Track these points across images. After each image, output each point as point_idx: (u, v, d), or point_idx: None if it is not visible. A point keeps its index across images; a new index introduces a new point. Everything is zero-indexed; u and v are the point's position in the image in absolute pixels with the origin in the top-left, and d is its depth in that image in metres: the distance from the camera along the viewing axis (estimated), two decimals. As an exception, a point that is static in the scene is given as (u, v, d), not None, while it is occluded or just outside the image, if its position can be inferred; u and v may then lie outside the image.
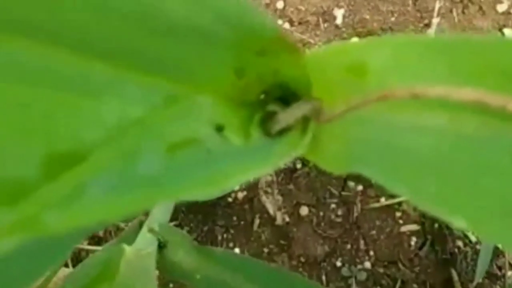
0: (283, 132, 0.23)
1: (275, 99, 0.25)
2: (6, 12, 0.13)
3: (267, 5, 0.70)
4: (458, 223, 0.16)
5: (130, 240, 0.41)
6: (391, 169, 0.18)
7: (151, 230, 0.42)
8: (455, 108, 0.19)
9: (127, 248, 0.37)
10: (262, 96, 0.24)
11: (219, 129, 0.19)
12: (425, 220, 0.66)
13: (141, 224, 0.45)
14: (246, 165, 0.17)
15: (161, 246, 0.42)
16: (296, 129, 0.23)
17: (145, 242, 0.41)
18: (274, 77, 0.23)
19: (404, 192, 0.18)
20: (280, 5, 0.69)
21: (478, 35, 0.20)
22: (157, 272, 0.44)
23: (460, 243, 0.66)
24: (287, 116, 0.22)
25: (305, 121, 0.23)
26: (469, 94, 0.18)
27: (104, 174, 0.14)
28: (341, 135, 0.22)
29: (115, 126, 0.14)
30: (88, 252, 0.67)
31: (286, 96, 0.24)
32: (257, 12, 0.19)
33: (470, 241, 0.65)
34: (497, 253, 0.63)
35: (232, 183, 0.16)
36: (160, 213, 0.48)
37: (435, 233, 0.66)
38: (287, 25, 0.68)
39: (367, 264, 0.66)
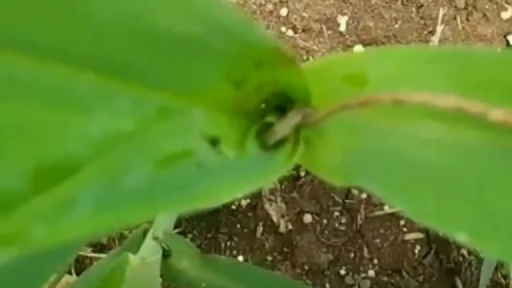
0: (279, 143, 0.23)
1: (274, 109, 0.24)
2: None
3: (271, 12, 0.70)
4: (459, 238, 0.15)
5: (134, 248, 0.41)
6: (390, 182, 0.18)
7: (155, 238, 0.42)
8: (457, 121, 0.19)
9: (132, 257, 0.37)
10: (263, 106, 0.24)
11: (214, 142, 0.19)
12: (429, 228, 0.66)
13: (145, 232, 0.45)
14: (239, 180, 0.17)
15: (166, 255, 0.42)
16: (290, 140, 0.22)
17: (150, 250, 0.41)
18: (273, 87, 0.23)
19: (402, 206, 0.17)
20: (283, 12, 0.69)
21: (481, 47, 0.20)
22: (161, 281, 0.44)
23: (464, 252, 0.65)
24: (283, 127, 0.22)
25: (298, 130, 0.23)
26: (450, 101, 0.18)
27: (92, 188, 0.13)
28: (339, 145, 0.22)
29: (102, 141, 0.14)
30: (91, 259, 0.67)
31: (286, 104, 0.24)
32: (253, 24, 0.19)
33: (475, 250, 0.64)
34: (501, 262, 0.63)
35: (224, 197, 0.16)
36: (164, 221, 0.48)
37: (440, 241, 0.66)
38: (290, 32, 0.68)
39: (371, 273, 0.66)
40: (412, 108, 0.20)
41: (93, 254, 0.67)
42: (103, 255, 0.55)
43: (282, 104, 0.25)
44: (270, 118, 0.24)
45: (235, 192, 0.16)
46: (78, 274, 0.46)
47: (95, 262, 0.47)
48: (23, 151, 0.13)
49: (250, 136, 0.22)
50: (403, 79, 0.21)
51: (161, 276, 0.40)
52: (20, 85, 0.13)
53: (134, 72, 0.15)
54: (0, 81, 0.13)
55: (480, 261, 0.64)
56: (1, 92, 0.13)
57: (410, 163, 0.18)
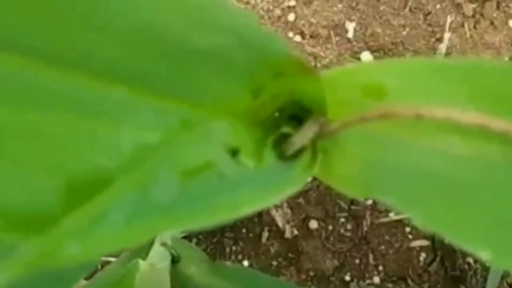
0: (296, 154, 0.23)
1: (289, 118, 0.24)
2: (24, 37, 0.13)
3: (279, 17, 0.70)
4: (481, 254, 0.15)
5: (143, 254, 0.41)
6: (409, 195, 0.18)
7: (164, 244, 0.42)
8: (477, 134, 0.19)
9: (142, 263, 0.37)
10: (277, 114, 0.24)
11: (234, 152, 0.19)
12: (434, 236, 0.66)
13: (153, 238, 0.45)
14: (259, 191, 0.17)
15: (174, 261, 0.42)
16: (308, 150, 0.22)
17: (159, 256, 0.41)
18: (289, 95, 0.23)
19: (421, 220, 0.17)
20: (291, 17, 0.69)
21: (496, 60, 0.20)
22: (169, 287, 0.44)
23: (470, 260, 0.65)
24: (301, 137, 0.22)
25: (315, 141, 0.23)
26: (473, 117, 0.18)
27: (122, 201, 0.13)
28: (356, 157, 0.22)
29: (132, 153, 0.14)
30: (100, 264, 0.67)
31: (301, 114, 0.24)
32: (273, 35, 0.19)
33: (480, 258, 0.64)
34: (508, 271, 0.63)
35: (245, 209, 0.16)
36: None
37: (445, 249, 0.66)
38: (298, 38, 0.68)
39: (376, 279, 0.66)
40: (431, 121, 0.20)
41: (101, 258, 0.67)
42: (112, 259, 0.55)
43: (296, 113, 0.25)
44: (286, 128, 0.24)
45: (256, 204, 0.16)
46: (86, 279, 0.45)
47: (105, 267, 0.47)
48: (54, 164, 0.13)
49: (267, 147, 0.22)
50: (422, 92, 0.21)
51: (170, 282, 0.40)
52: (49, 97, 0.13)
53: (160, 84, 0.15)
54: (30, 94, 0.13)
55: (485, 269, 0.64)
56: (30, 104, 0.13)
57: (429, 177, 0.18)
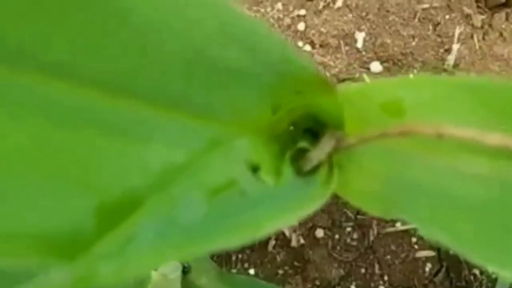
0: (314, 169, 0.23)
1: (304, 132, 0.25)
2: (53, 56, 0.13)
3: (288, 26, 0.70)
4: (505, 274, 0.16)
5: (154, 265, 0.41)
6: (430, 215, 0.18)
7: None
8: (496, 153, 0.19)
9: (154, 273, 0.37)
10: (292, 128, 0.24)
11: (255, 169, 0.19)
12: (440, 246, 0.66)
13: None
14: (280, 210, 0.17)
15: (185, 271, 0.42)
16: (325, 166, 0.22)
17: (170, 267, 0.41)
18: (304, 109, 0.23)
19: (443, 239, 0.18)
20: (301, 26, 0.69)
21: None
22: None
23: (476, 271, 0.65)
24: (318, 153, 0.22)
25: (331, 156, 0.23)
26: (493, 137, 0.18)
27: (150, 224, 0.14)
28: (373, 173, 0.22)
29: (160, 172, 0.14)
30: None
31: (315, 127, 0.24)
32: (298, 54, 0.19)
33: (487, 270, 0.64)
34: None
35: (267, 229, 0.16)
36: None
37: (451, 260, 0.66)
38: (308, 47, 0.68)
39: (382, 289, 0.66)
40: (451, 140, 0.20)
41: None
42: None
43: (311, 127, 0.25)
44: (302, 143, 0.24)
45: (278, 221, 0.17)
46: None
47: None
48: (87, 185, 0.13)
49: (285, 163, 0.22)
50: (441, 110, 0.21)
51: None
52: (79, 117, 0.13)
53: (187, 103, 0.15)
54: (60, 113, 0.13)
55: (491, 280, 0.64)
56: (61, 124, 0.13)
57: (450, 196, 0.19)
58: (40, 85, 0.13)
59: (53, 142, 0.13)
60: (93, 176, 0.13)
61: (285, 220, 0.17)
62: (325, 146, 0.23)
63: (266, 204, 0.17)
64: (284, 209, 0.17)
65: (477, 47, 0.67)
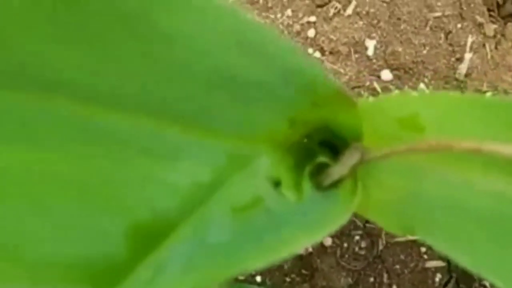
0: (333, 185, 0.22)
1: (320, 144, 0.24)
2: (83, 79, 0.13)
3: (298, 32, 0.70)
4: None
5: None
6: (449, 233, 0.18)
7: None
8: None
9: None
10: (305, 140, 0.24)
11: (276, 184, 0.19)
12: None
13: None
14: (307, 230, 0.17)
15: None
16: (348, 181, 0.22)
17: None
18: (320, 122, 0.23)
19: (464, 259, 0.17)
20: (311, 33, 0.69)
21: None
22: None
23: (486, 283, 0.64)
24: (341, 168, 0.22)
25: (354, 171, 0.23)
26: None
27: (181, 248, 0.13)
28: (392, 188, 0.22)
29: (188, 192, 0.14)
30: None
31: (332, 140, 0.24)
32: (317, 67, 0.19)
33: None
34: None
35: (293, 247, 0.15)
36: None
37: (461, 270, 0.65)
38: (318, 54, 0.68)
39: (390, 299, 0.65)
40: (467, 157, 0.20)
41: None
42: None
43: (326, 139, 0.24)
44: (322, 158, 0.24)
45: (305, 241, 0.16)
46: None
47: None
48: (116, 210, 0.13)
49: (304, 177, 0.22)
50: (458, 126, 0.20)
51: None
52: (111, 140, 0.13)
53: (210, 121, 0.15)
54: (93, 136, 0.13)
55: (501, 292, 0.64)
56: (93, 146, 0.13)
57: (467, 211, 0.18)
58: (70, 110, 0.13)
59: (84, 168, 0.13)
60: (123, 201, 0.13)
61: (310, 239, 0.17)
62: (348, 160, 0.22)
63: (291, 223, 0.17)
64: (310, 227, 0.17)
65: (489, 56, 0.66)
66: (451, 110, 0.21)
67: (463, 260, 0.17)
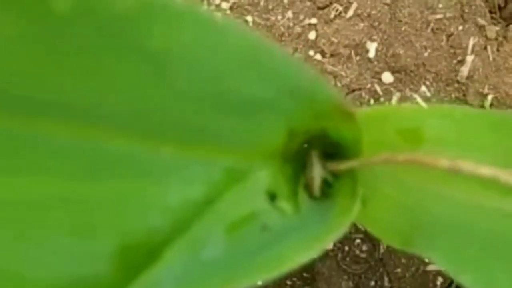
0: (332, 195, 0.22)
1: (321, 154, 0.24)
2: (72, 102, 0.12)
3: (299, 34, 0.70)
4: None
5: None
6: (454, 253, 0.17)
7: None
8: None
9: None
10: (306, 145, 0.24)
11: (272, 197, 0.19)
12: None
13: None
14: (304, 244, 0.17)
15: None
16: (345, 192, 0.22)
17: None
18: (319, 131, 0.22)
19: (465, 278, 0.17)
20: (312, 35, 0.69)
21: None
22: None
23: (488, 286, 0.64)
24: (312, 175, 0.21)
25: (353, 182, 0.22)
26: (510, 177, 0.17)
27: (174, 267, 0.13)
28: (390, 200, 0.22)
29: (180, 210, 0.13)
30: None
31: (329, 148, 0.24)
32: (318, 82, 0.19)
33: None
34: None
35: (291, 262, 0.15)
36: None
37: (462, 274, 0.65)
38: (318, 56, 0.68)
39: (391, 303, 0.65)
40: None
41: None
42: None
43: (324, 147, 0.24)
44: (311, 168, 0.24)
45: (302, 256, 0.16)
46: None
47: None
48: (107, 229, 0.13)
49: (300, 187, 0.22)
50: (462, 142, 0.20)
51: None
52: (102, 162, 0.13)
53: (206, 136, 0.15)
54: (82, 160, 0.13)
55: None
56: (84, 169, 0.13)
57: (473, 233, 0.18)
58: (62, 132, 0.13)
59: (75, 190, 0.13)
60: (115, 220, 0.13)
61: (307, 254, 0.16)
62: (313, 167, 0.22)
63: (286, 239, 0.17)
64: (305, 243, 0.17)
65: (491, 59, 0.66)
66: (454, 124, 0.21)
67: (465, 279, 0.16)
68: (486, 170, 0.17)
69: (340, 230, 0.19)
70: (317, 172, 0.22)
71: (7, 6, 0.11)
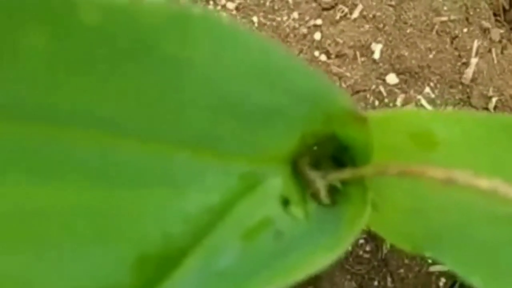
0: (339, 202, 0.22)
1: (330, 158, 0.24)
2: (89, 110, 0.13)
3: (304, 35, 0.70)
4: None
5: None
6: (462, 256, 0.18)
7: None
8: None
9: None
10: (315, 148, 0.24)
11: (285, 202, 0.19)
12: (455, 261, 0.65)
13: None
14: (314, 247, 0.17)
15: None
16: (354, 200, 0.22)
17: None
18: (329, 135, 0.23)
19: (474, 279, 0.17)
20: (317, 36, 0.69)
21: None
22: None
23: None
24: (316, 182, 0.22)
25: (363, 188, 0.23)
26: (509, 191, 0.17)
27: (190, 275, 0.13)
28: (399, 204, 0.22)
29: (198, 217, 0.14)
30: None
31: (338, 153, 0.24)
32: (330, 88, 0.19)
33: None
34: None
35: (304, 270, 0.16)
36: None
37: (465, 275, 0.65)
38: (323, 57, 0.68)
39: (394, 303, 0.65)
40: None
41: None
42: None
43: (334, 151, 0.24)
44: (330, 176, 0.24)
45: (314, 265, 0.16)
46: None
47: None
48: (125, 238, 0.13)
49: (307, 195, 0.22)
50: (475, 147, 0.20)
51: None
52: (119, 170, 0.13)
53: (220, 144, 0.15)
54: (100, 168, 0.13)
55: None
56: (101, 178, 0.13)
57: (484, 236, 0.18)
58: (79, 140, 0.13)
59: (93, 199, 0.13)
60: (134, 228, 0.13)
61: (321, 262, 0.17)
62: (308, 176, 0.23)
63: (301, 246, 0.17)
64: (320, 250, 0.17)
65: (495, 61, 0.66)
66: (464, 129, 0.21)
67: (474, 280, 0.17)
68: (483, 182, 0.17)
69: (352, 237, 0.19)
70: (319, 182, 0.22)
71: (37, 17, 0.12)
